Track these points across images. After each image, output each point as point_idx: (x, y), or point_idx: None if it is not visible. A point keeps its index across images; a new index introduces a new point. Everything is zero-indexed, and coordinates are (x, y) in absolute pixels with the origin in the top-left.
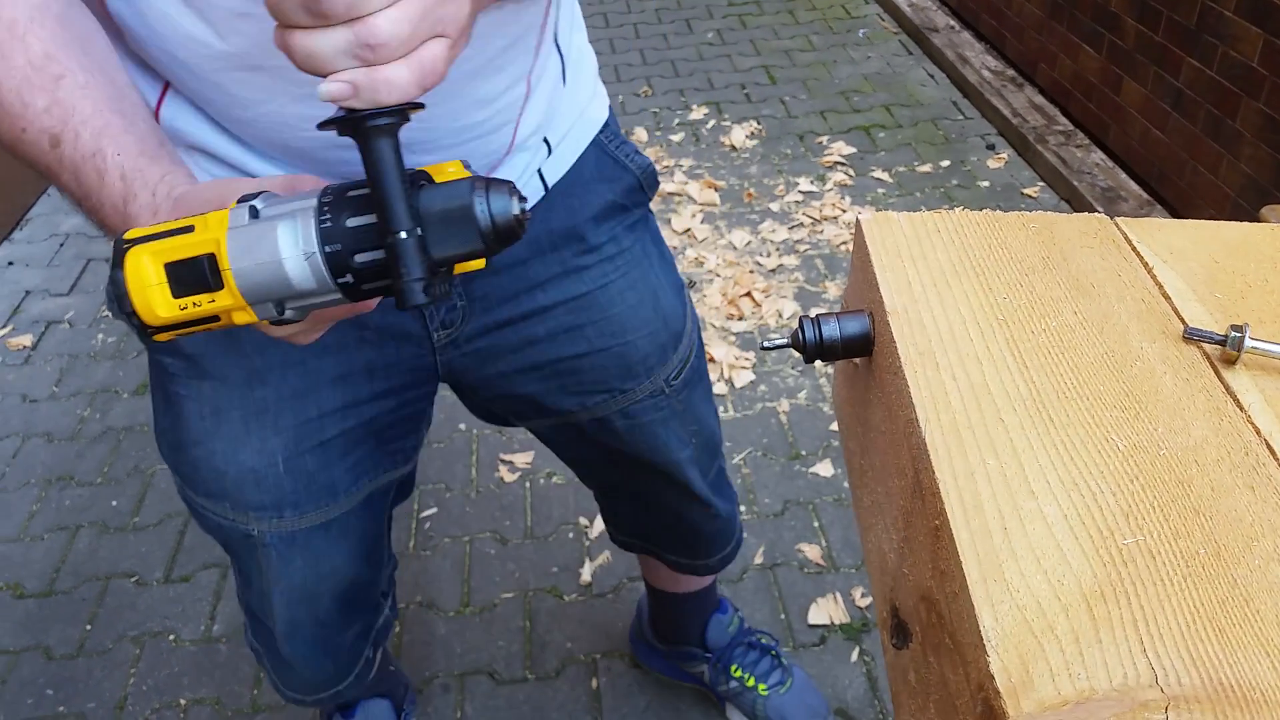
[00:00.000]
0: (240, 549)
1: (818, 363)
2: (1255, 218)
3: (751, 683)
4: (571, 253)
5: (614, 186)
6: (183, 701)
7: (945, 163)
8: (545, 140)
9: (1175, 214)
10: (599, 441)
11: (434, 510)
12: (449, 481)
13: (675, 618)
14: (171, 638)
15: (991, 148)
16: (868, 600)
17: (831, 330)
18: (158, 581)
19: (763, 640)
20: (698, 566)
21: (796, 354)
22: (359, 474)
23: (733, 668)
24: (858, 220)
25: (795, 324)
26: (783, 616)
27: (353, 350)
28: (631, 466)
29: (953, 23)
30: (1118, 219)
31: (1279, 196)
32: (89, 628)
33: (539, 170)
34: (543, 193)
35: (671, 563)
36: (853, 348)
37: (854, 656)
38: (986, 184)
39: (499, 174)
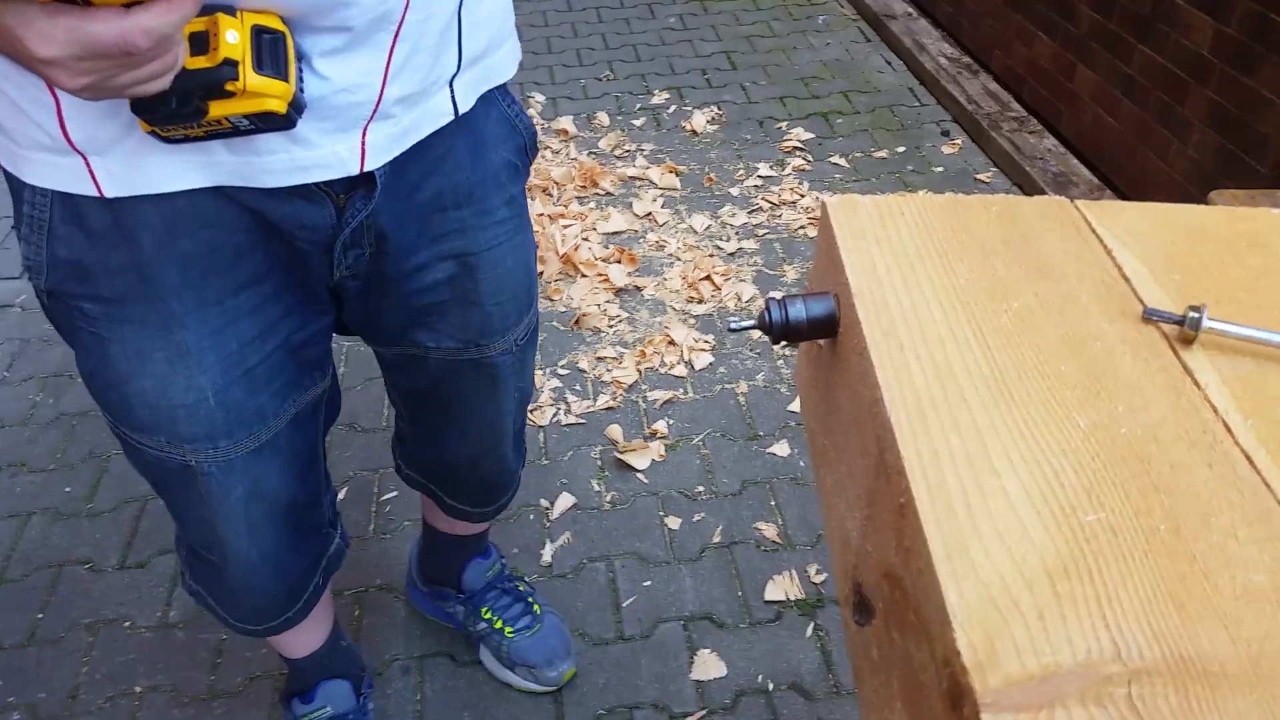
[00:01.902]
0: (177, 481)
1: (775, 345)
2: (1203, 203)
3: (499, 625)
4: (472, 211)
5: (509, 146)
6: (138, 689)
7: (901, 149)
8: (459, 27)
9: (1125, 199)
10: (439, 376)
11: (394, 494)
12: None
13: (440, 558)
14: (126, 625)
15: (946, 134)
16: (823, 577)
17: (798, 312)
18: (112, 568)
19: (519, 588)
20: (473, 514)
21: (757, 336)
22: (284, 397)
23: (483, 610)
24: (823, 203)
25: (755, 307)
26: (740, 593)
27: (264, 280)
28: (457, 409)
29: (910, 10)
30: (1078, 202)
31: (1226, 182)
32: (40, 616)
33: (450, 85)
34: (452, 116)
35: (449, 507)
36: (818, 329)
37: (809, 631)
38: (941, 170)
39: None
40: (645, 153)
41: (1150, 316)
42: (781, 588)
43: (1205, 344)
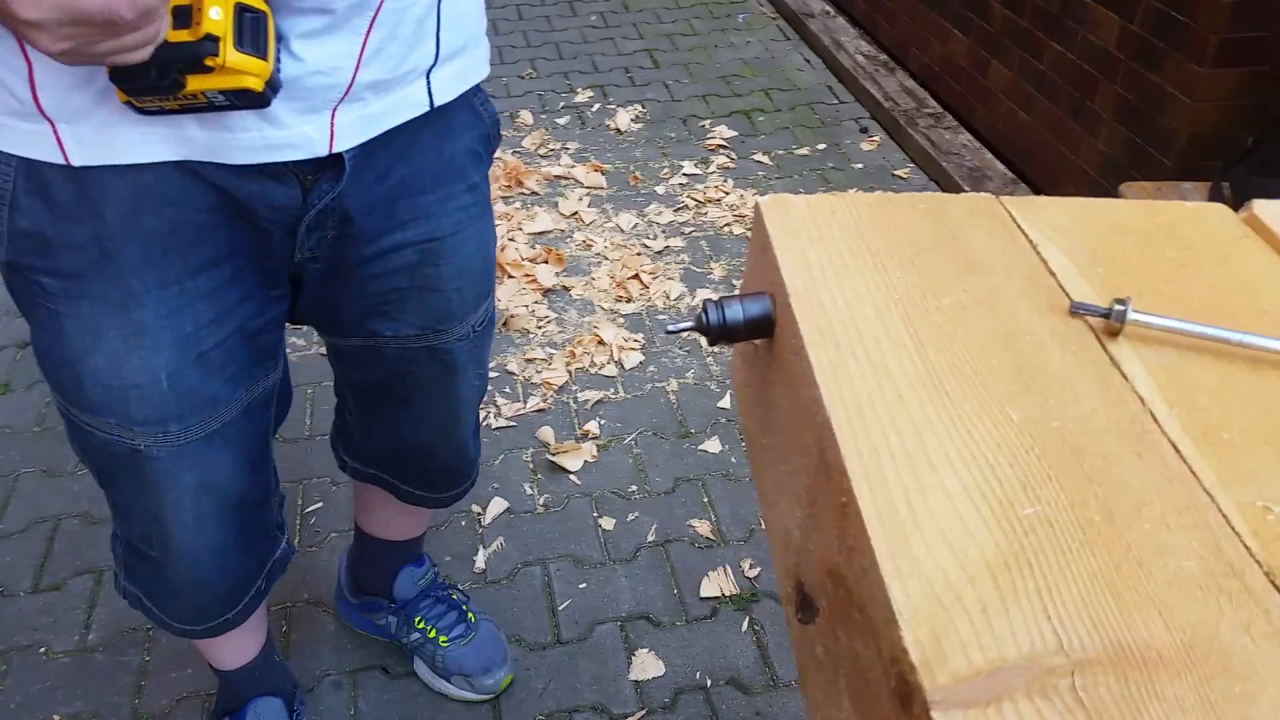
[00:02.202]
0: (124, 468)
1: (703, 342)
2: (1113, 194)
3: (433, 634)
4: (436, 197)
5: (473, 134)
6: (56, 717)
7: (822, 146)
8: (438, 19)
9: (1038, 192)
10: (395, 367)
11: (319, 505)
12: (334, 475)
13: (374, 565)
14: (42, 650)
15: (865, 130)
16: (756, 571)
17: (735, 312)
18: (25, 591)
19: (453, 596)
20: (429, 499)
21: (687, 336)
22: (236, 384)
23: (416, 619)
24: (756, 203)
25: (684, 305)
26: (675, 591)
27: (224, 263)
28: (413, 399)
29: (828, 8)
30: (1002, 198)
31: (1135, 175)
32: None
33: (427, 77)
34: (427, 107)
35: (405, 493)
36: (755, 329)
37: (744, 626)
38: (860, 166)
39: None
40: (570, 151)
41: (1077, 310)
42: (716, 584)
43: (1130, 336)
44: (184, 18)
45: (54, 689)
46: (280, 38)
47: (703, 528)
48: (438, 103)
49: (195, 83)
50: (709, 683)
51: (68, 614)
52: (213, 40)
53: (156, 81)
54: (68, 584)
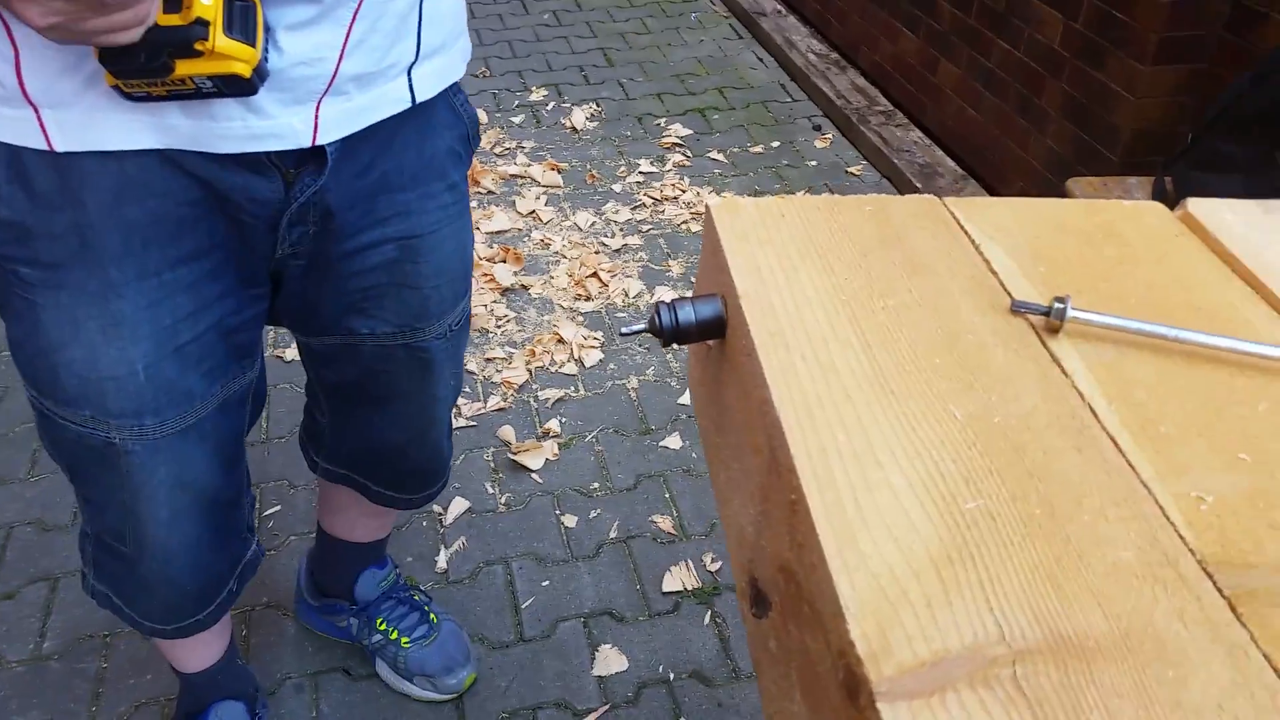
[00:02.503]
0: (98, 462)
1: (665, 347)
2: (1061, 189)
3: (395, 635)
4: (416, 194)
5: (453, 134)
6: None
7: (776, 143)
8: (420, 15)
9: (988, 187)
10: (371, 366)
11: (277, 508)
12: (292, 478)
13: (337, 567)
14: None
15: (818, 128)
16: (718, 565)
17: (687, 314)
18: None
19: (415, 597)
20: (400, 500)
21: (645, 335)
22: (212, 379)
23: (378, 621)
24: (707, 206)
25: (643, 303)
26: (638, 587)
27: (204, 257)
28: (389, 397)
29: (779, 7)
30: (946, 199)
31: (1082, 170)
32: None
33: (409, 73)
34: (409, 104)
35: (376, 494)
36: (707, 331)
37: (706, 620)
38: (814, 163)
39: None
40: (526, 150)
41: (1018, 309)
42: (678, 578)
43: (1070, 333)
44: (175, 2)
45: (8, 699)
46: (268, 28)
47: (664, 523)
48: (419, 99)
49: (184, 67)
50: (672, 676)
51: (22, 622)
52: (203, 25)
53: (146, 64)
54: (21, 592)
